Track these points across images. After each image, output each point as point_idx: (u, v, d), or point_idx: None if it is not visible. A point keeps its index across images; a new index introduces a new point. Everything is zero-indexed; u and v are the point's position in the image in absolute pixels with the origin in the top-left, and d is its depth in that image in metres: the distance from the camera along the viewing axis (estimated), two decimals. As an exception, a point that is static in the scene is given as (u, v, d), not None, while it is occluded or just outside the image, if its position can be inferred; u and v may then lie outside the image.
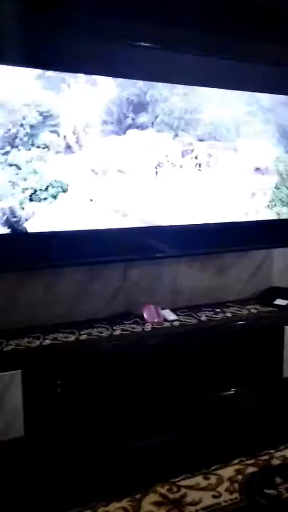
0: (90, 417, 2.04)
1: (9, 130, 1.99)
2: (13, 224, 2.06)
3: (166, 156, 2.37)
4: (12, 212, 2.05)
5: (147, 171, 2.35)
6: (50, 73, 2.05)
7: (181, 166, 2.42)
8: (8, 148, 1.99)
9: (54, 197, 2.14)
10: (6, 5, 1.92)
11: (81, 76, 2.12)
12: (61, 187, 2.15)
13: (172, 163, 2.40)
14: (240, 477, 1.85)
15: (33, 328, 2.19)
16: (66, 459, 1.90)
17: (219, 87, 2.44)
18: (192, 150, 2.43)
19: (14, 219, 2.05)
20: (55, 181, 2.13)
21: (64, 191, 2.16)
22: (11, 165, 2.01)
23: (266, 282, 2.90)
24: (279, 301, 2.70)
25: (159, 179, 2.38)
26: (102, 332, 2.25)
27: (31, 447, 1.90)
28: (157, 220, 2.41)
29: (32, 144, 2.05)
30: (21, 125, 2.01)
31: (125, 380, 2.14)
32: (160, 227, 2.42)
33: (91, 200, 2.23)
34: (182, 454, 1.98)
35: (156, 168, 2.36)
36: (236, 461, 1.95)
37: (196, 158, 2.45)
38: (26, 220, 2.08)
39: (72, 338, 2.18)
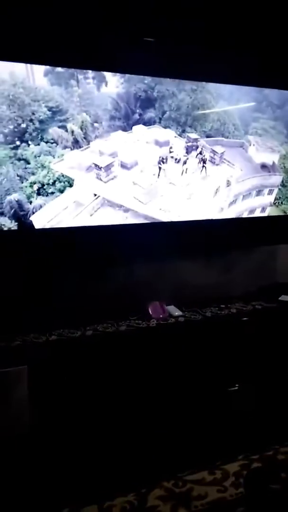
0: (95, 412, 2.04)
1: (19, 125, 2.00)
2: (21, 217, 2.07)
3: (171, 152, 2.37)
4: (20, 206, 2.06)
5: (151, 167, 2.35)
6: (59, 68, 2.06)
7: (185, 162, 2.42)
8: (17, 142, 2.01)
9: (61, 191, 2.15)
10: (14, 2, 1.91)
11: (89, 72, 2.13)
12: (68, 181, 2.16)
13: (176, 159, 2.40)
14: (245, 472, 1.86)
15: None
16: (72, 454, 1.91)
17: (227, 83, 2.44)
18: (197, 147, 2.43)
19: (22, 213, 2.07)
20: (63, 175, 2.14)
21: (71, 185, 2.17)
22: (20, 159, 2.02)
23: (271, 278, 2.90)
24: (284, 297, 2.70)
25: (164, 175, 2.39)
26: (108, 328, 2.26)
27: (37, 442, 1.91)
28: (160, 216, 2.41)
29: (41, 139, 2.06)
30: (31, 120, 2.02)
31: (130, 375, 2.15)
32: (164, 223, 2.43)
33: (95, 195, 2.24)
34: (187, 449, 1.99)
35: (160, 163, 2.36)
36: (241, 456, 1.95)
37: (201, 153, 2.45)
38: (33, 213, 2.09)
39: (78, 333, 2.18)
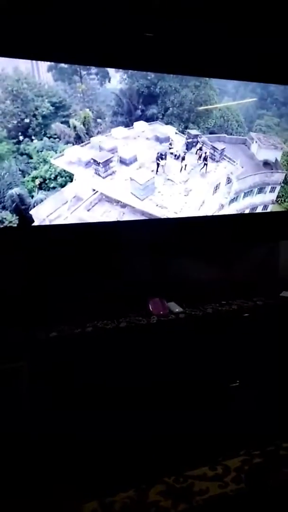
0: (95, 409, 2.04)
1: (22, 120, 2.01)
2: (22, 211, 2.07)
3: (170, 148, 2.37)
4: (21, 200, 2.06)
5: (150, 163, 2.35)
6: (62, 64, 2.06)
7: (183, 159, 2.42)
8: (21, 137, 2.01)
9: (63, 186, 2.15)
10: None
11: (93, 68, 2.13)
12: (69, 176, 2.16)
13: (176, 155, 2.40)
14: (246, 467, 1.85)
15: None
16: (72, 450, 1.90)
17: (232, 78, 2.44)
18: (197, 143, 2.43)
19: (23, 207, 2.07)
20: (64, 171, 2.14)
21: (72, 180, 2.17)
22: (22, 154, 2.03)
23: (272, 274, 2.90)
24: (285, 293, 2.70)
25: (162, 171, 2.38)
26: (108, 325, 2.25)
27: (37, 438, 1.90)
28: (157, 212, 2.41)
29: (44, 134, 2.06)
30: (34, 115, 2.03)
31: (131, 371, 2.15)
32: (163, 219, 2.42)
33: (94, 190, 2.24)
34: (188, 445, 1.98)
35: (159, 160, 2.36)
36: (242, 452, 1.94)
37: (201, 150, 2.45)
38: (34, 206, 2.10)
39: (78, 330, 2.18)
